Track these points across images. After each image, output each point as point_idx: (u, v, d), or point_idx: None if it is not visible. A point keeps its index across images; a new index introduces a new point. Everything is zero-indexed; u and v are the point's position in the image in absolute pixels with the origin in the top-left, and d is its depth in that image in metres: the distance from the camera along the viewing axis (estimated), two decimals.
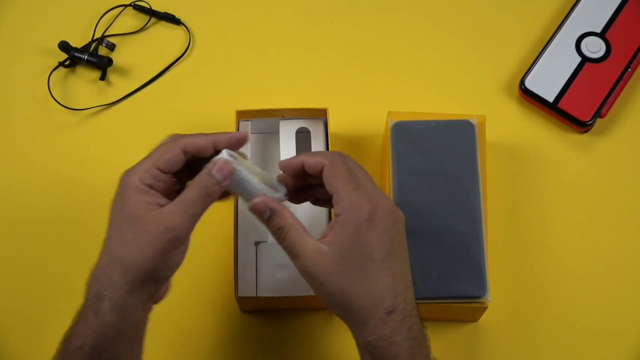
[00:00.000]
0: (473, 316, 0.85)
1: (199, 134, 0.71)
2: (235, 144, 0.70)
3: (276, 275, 0.84)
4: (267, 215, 0.69)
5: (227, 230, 0.85)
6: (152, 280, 0.68)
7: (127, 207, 0.67)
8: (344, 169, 0.69)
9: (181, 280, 0.85)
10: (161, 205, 0.67)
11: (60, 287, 0.88)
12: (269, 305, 0.85)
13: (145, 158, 0.70)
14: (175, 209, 0.67)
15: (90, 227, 0.90)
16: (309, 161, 0.70)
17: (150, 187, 0.68)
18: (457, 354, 0.85)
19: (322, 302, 0.69)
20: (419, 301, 0.79)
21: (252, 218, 0.83)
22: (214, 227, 0.88)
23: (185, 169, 0.70)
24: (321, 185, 0.70)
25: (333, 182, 0.68)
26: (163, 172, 0.69)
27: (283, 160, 0.72)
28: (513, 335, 0.86)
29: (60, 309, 0.87)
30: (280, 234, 0.69)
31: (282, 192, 0.72)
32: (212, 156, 0.70)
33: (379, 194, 0.69)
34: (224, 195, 0.71)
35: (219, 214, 0.87)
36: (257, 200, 0.69)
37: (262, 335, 0.85)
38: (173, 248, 0.67)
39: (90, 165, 0.93)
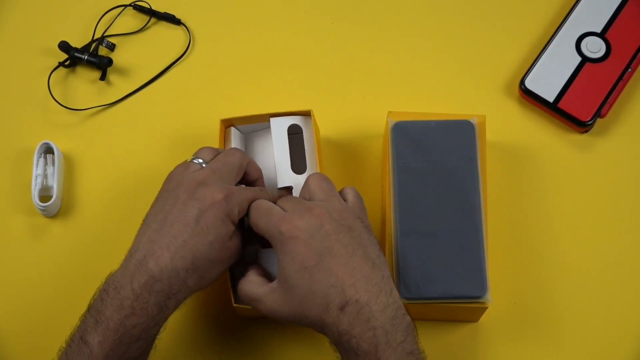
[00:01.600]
0: (473, 316, 0.85)
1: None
2: None
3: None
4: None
5: None
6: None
7: (227, 229, 0.74)
8: (254, 211, 0.76)
9: None
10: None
11: (63, 287, 0.88)
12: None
13: (246, 190, 0.77)
14: (238, 242, 0.77)
15: (90, 227, 0.91)
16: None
17: (239, 215, 0.77)
18: (457, 354, 0.85)
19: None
20: (419, 301, 0.80)
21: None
22: None
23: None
24: None
25: (254, 225, 0.76)
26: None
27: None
28: (513, 335, 0.86)
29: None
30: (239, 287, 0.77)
31: None
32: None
33: (302, 208, 0.74)
34: None
35: None
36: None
37: (259, 341, 0.85)
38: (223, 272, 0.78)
39: (90, 166, 0.93)
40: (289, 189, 0.85)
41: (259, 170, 0.82)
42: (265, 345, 0.85)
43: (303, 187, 0.78)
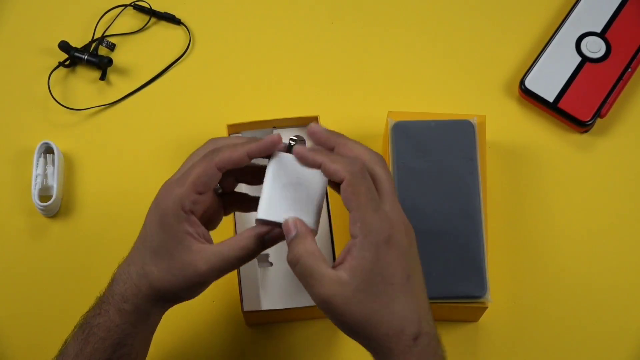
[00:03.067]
0: (473, 316, 0.85)
1: (233, 144, 0.70)
2: (270, 150, 0.70)
3: (280, 287, 0.84)
4: (292, 236, 0.67)
5: None
6: (175, 301, 0.72)
7: (167, 235, 0.69)
8: (364, 187, 0.66)
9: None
10: (199, 235, 0.69)
11: (61, 284, 0.88)
12: (274, 318, 0.85)
13: (183, 178, 0.69)
14: (208, 260, 0.68)
15: (90, 227, 0.91)
16: (329, 168, 0.66)
17: (191, 211, 0.69)
18: (457, 354, 0.85)
19: (342, 330, 0.66)
20: None
21: None
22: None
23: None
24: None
25: (352, 199, 0.65)
26: (202, 193, 0.70)
27: (302, 149, 0.68)
28: (513, 335, 0.86)
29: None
30: (294, 259, 0.66)
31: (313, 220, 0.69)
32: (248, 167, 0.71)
33: (395, 210, 0.67)
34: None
35: (219, 229, 0.86)
36: (289, 220, 0.67)
37: (268, 347, 0.85)
38: (199, 287, 0.71)
39: (90, 166, 0.93)
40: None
41: (242, 156, 0.70)
42: (274, 352, 0.86)
43: (360, 164, 0.66)
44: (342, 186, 0.65)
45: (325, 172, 0.66)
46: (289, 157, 0.69)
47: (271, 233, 0.69)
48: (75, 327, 0.72)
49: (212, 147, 0.71)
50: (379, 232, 0.64)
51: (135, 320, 0.70)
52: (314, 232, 0.68)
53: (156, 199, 0.70)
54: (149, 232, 0.70)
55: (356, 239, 0.65)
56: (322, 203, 0.70)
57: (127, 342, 0.70)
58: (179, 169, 0.72)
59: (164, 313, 0.73)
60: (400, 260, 0.65)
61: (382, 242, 0.64)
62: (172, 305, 0.73)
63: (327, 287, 0.64)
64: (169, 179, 0.71)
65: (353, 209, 0.65)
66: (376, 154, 0.68)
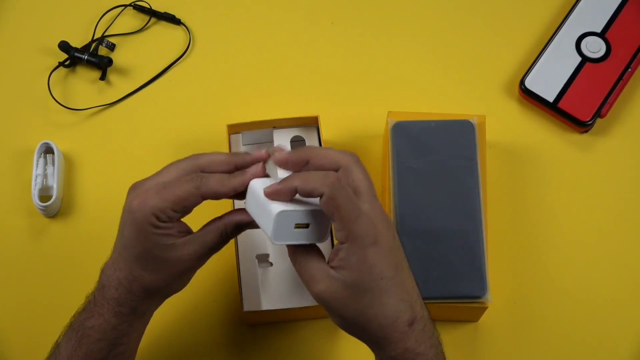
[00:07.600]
0: (473, 316, 0.85)
1: (222, 175, 0.70)
2: (259, 175, 0.71)
3: (280, 287, 0.84)
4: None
5: (228, 245, 0.84)
6: (168, 294, 0.74)
7: (147, 243, 0.69)
8: (344, 197, 0.66)
9: (186, 298, 0.85)
10: (178, 232, 0.70)
11: (58, 285, 0.88)
12: (274, 318, 0.85)
13: (164, 192, 0.69)
14: (194, 250, 0.70)
15: (90, 227, 0.91)
16: (305, 189, 0.67)
17: (164, 221, 0.70)
18: (457, 354, 0.85)
19: (337, 325, 0.68)
20: None
21: (251, 232, 0.80)
22: None
23: None
24: None
25: (334, 212, 0.66)
26: (177, 212, 0.70)
27: (272, 186, 0.68)
28: (513, 335, 0.86)
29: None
30: (292, 258, 0.69)
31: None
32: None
33: (375, 208, 0.67)
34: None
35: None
36: None
37: (268, 347, 0.85)
38: (189, 273, 0.73)
39: (90, 166, 0.93)
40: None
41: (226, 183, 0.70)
42: (274, 352, 0.85)
43: (331, 164, 0.68)
44: (322, 200, 0.66)
45: (303, 194, 0.67)
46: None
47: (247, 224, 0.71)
48: (65, 328, 0.73)
49: (195, 164, 0.71)
50: (364, 238, 0.66)
51: (133, 320, 0.72)
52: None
53: (130, 204, 0.69)
54: (127, 241, 0.70)
55: (343, 244, 0.66)
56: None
57: (122, 342, 0.72)
58: (155, 176, 0.71)
59: (158, 307, 0.74)
60: (388, 256, 0.67)
61: (369, 245, 0.66)
62: (166, 299, 0.74)
63: (320, 282, 0.67)
64: (141, 182, 0.70)
65: (336, 220, 0.66)
66: (350, 154, 0.69)
